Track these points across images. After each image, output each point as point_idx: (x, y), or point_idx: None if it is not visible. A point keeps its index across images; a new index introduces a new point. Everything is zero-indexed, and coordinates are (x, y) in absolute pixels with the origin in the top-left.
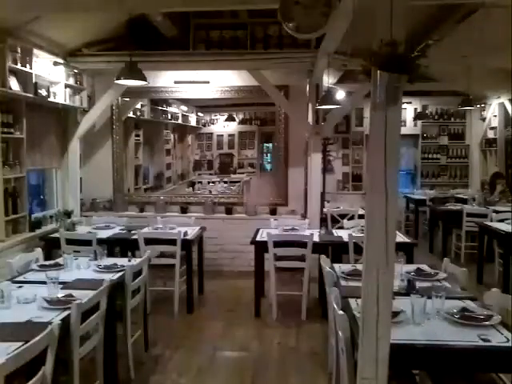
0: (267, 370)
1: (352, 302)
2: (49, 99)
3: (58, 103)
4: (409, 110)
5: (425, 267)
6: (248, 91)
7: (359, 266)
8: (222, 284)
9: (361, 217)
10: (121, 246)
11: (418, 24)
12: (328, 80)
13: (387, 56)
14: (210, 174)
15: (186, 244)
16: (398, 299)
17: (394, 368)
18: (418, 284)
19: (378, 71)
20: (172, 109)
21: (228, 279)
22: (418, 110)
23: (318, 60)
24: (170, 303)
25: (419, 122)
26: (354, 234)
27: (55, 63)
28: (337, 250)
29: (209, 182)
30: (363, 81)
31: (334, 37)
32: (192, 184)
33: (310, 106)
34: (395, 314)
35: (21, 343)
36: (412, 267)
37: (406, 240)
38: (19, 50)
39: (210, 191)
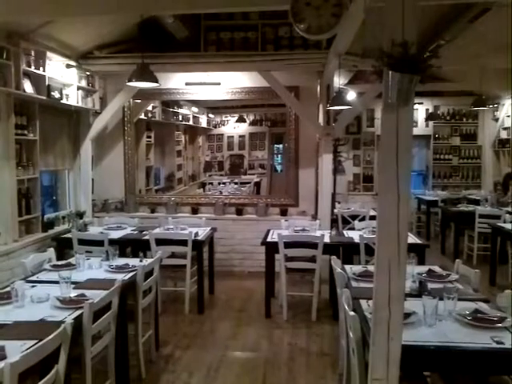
0: (277, 371)
1: (363, 303)
2: (61, 101)
3: (70, 105)
4: (420, 110)
5: (436, 268)
6: (259, 92)
7: (370, 267)
8: (232, 284)
9: (372, 218)
10: (132, 246)
11: (429, 24)
12: (339, 81)
13: (399, 57)
14: (221, 175)
15: (197, 244)
16: (410, 300)
17: (406, 369)
18: (430, 285)
19: (390, 72)
20: (183, 110)
21: (238, 280)
22: (430, 111)
23: (329, 61)
24: (180, 303)
25: (431, 123)
26: (365, 235)
27: (68, 66)
28: (348, 251)
29: (219, 183)
30: (374, 81)
31: (345, 37)
32: (203, 185)
33: (321, 106)
34: (407, 315)
35: (34, 341)
36: (424, 268)
37: (418, 241)
38: (33, 53)
39: (221, 192)
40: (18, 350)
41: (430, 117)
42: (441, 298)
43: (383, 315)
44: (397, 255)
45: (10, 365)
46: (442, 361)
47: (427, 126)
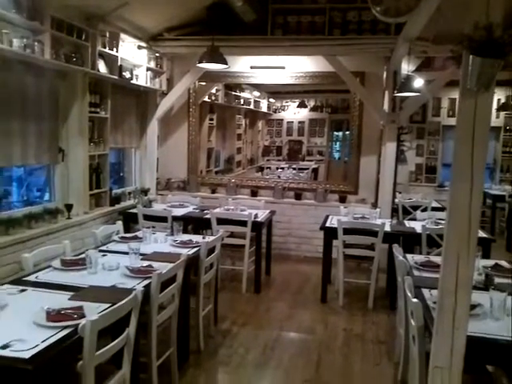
0: (332, 354)
1: (425, 292)
2: (132, 81)
3: (139, 85)
4: None
5: (503, 263)
6: (322, 77)
7: (433, 258)
8: (288, 267)
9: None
10: (194, 224)
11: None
12: (408, 67)
13: (482, 40)
14: (279, 160)
15: (257, 226)
16: (475, 293)
17: (468, 361)
18: (497, 279)
19: (471, 56)
20: (245, 94)
21: (294, 263)
22: (502, 101)
23: (398, 46)
24: (237, 282)
25: (502, 114)
26: (427, 226)
27: (139, 47)
28: (408, 241)
29: (277, 168)
30: (447, 68)
31: (418, 22)
32: (261, 169)
33: (387, 93)
34: (472, 306)
35: (108, 305)
36: (490, 262)
37: (483, 235)
38: (108, 35)
39: (279, 177)
40: (94, 310)
41: (502, 107)
42: (509, 293)
43: (449, 303)
44: (466, 244)
45: (91, 322)
46: (508, 356)
47: (498, 117)
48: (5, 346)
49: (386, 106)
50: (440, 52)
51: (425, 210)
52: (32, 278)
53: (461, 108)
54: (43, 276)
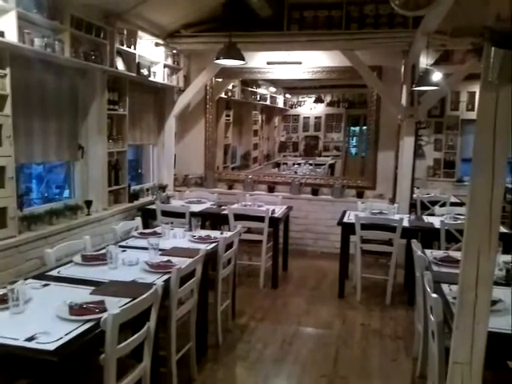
0: (350, 349)
1: (444, 287)
2: (149, 78)
3: (157, 82)
4: None
5: None
6: (339, 72)
7: (452, 253)
8: (305, 263)
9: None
10: (211, 219)
11: None
12: (426, 61)
13: (505, 32)
14: (295, 156)
15: (274, 222)
16: (496, 288)
17: (489, 357)
18: None
19: (492, 48)
20: (261, 90)
21: (311, 259)
22: None
23: (416, 40)
24: (254, 277)
25: None
26: (446, 221)
27: (156, 44)
28: (427, 237)
29: (294, 164)
30: (466, 61)
31: (436, 15)
32: (277, 165)
33: (405, 87)
34: (493, 302)
35: (129, 299)
36: (510, 258)
37: (504, 230)
38: (125, 33)
39: (296, 172)
40: (115, 305)
41: None
42: None
43: (469, 298)
44: (487, 239)
45: (113, 316)
46: None
47: None
48: (30, 339)
49: (403, 101)
50: (458, 45)
51: (443, 205)
52: (54, 272)
53: (481, 101)
54: (65, 271)
